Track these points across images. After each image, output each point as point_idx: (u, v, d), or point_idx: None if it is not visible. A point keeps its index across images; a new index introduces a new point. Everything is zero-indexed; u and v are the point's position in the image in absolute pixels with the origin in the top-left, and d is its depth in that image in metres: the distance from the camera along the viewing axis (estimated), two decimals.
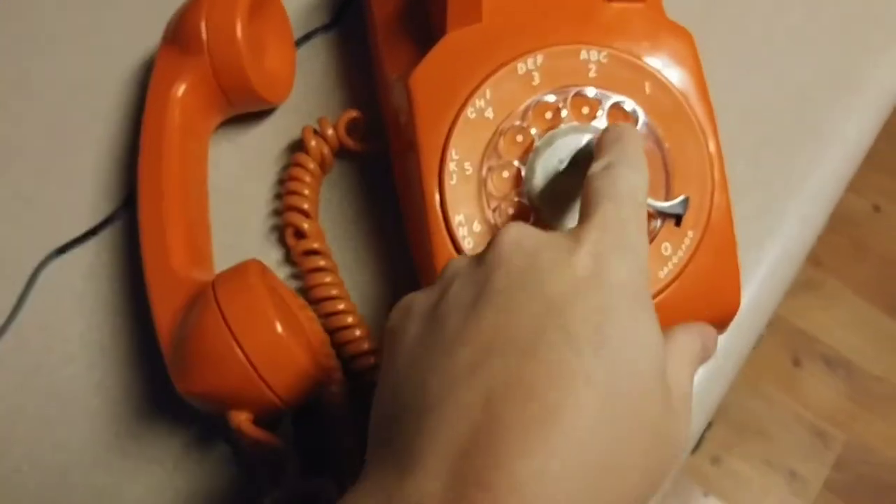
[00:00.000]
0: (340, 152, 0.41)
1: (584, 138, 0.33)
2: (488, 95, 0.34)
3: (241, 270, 0.34)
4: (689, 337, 0.29)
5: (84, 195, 0.42)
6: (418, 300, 0.27)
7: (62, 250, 0.40)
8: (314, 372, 0.33)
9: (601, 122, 0.34)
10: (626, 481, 0.23)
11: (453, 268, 0.28)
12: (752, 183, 0.41)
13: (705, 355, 0.30)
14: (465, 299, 0.26)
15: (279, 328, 0.32)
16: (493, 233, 0.32)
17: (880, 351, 1.21)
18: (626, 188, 0.28)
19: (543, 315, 0.24)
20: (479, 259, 0.27)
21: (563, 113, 0.34)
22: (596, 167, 0.29)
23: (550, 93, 0.34)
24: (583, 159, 0.33)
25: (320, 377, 0.33)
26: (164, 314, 0.34)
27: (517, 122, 0.34)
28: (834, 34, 0.46)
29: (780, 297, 0.41)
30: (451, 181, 0.34)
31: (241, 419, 0.33)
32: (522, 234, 0.27)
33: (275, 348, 0.32)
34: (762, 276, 0.40)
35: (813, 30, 0.46)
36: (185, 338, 0.33)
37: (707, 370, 0.39)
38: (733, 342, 0.39)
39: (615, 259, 0.25)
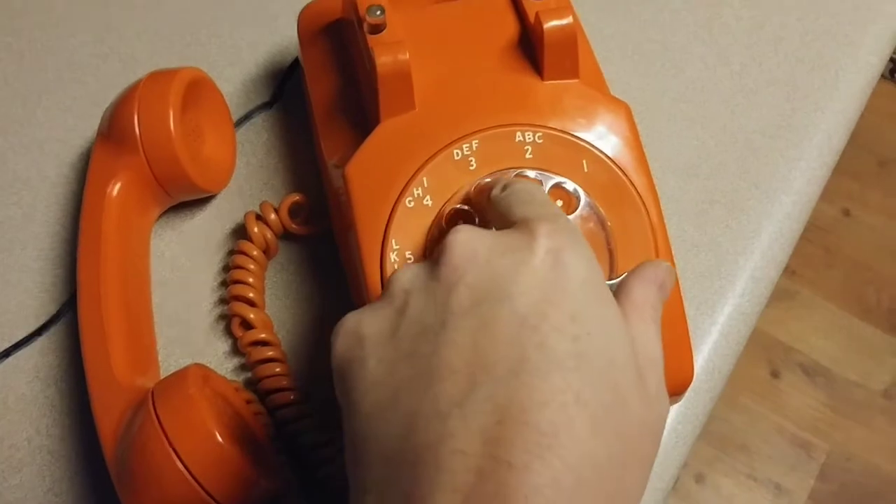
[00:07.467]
0: (286, 235, 0.41)
1: None
2: (426, 183, 0.34)
3: (179, 379, 0.33)
4: (643, 288, 0.28)
5: (27, 295, 0.41)
6: (367, 323, 0.25)
7: (6, 353, 0.40)
8: (261, 479, 0.32)
9: None
10: (630, 481, 0.23)
11: (402, 282, 0.26)
12: (701, 244, 0.41)
13: (664, 295, 0.28)
14: (429, 321, 0.24)
15: (220, 439, 0.31)
16: None
17: (856, 356, 1.22)
18: (538, 194, 0.29)
19: (518, 333, 0.23)
20: (433, 271, 0.25)
21: None
22: (496, 191, 0.29)
23: (488, 177, 0.34)
24: None
25: (269, 483, 0.33)
26: (108, 426, 0.33)
27: (458, 206, 0.33)
28: (773, 81, 0.46)
29: (735, 358, 0.41)
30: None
31: None
32: (472, 238, 0.26)
33: (217, 460, 0.31)
34: (715, 339, 0.40)
35: (752, 79, 0.46)
36: (126, 452, 0.32)
37: (667, 441, 0.38)
38: (690, 407, 0.39)
39: (571, 254, 0.25)
